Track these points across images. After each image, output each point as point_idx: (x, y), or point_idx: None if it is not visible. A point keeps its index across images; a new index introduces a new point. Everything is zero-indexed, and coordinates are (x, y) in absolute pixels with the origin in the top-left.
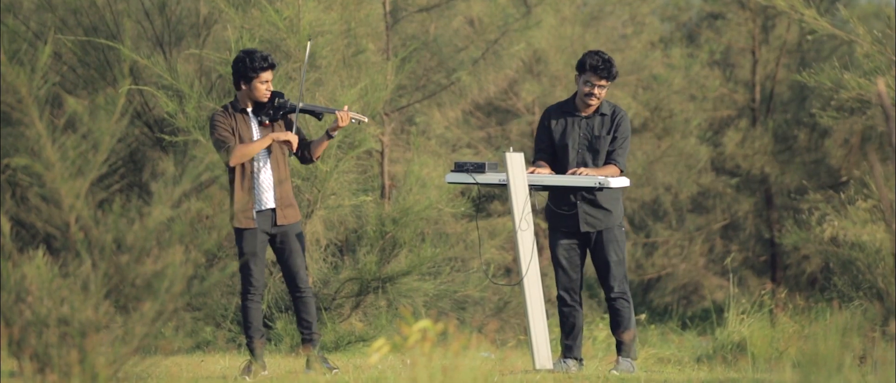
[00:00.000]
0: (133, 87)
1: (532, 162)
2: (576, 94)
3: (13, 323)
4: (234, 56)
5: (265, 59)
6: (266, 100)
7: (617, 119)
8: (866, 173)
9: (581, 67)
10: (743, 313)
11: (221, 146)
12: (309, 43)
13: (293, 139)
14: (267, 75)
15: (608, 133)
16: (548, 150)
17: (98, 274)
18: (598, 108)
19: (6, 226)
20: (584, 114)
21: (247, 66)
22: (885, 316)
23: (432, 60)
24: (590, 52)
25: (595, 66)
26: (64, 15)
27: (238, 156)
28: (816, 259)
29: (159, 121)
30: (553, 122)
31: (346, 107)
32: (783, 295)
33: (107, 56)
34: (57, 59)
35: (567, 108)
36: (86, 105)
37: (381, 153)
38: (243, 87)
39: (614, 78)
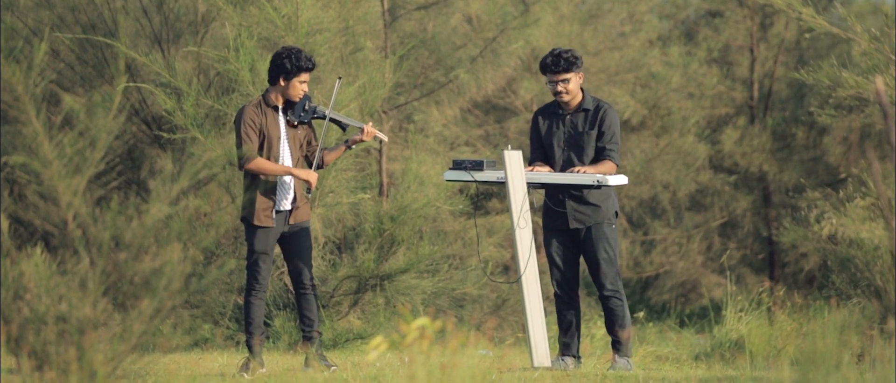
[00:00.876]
0: (130, 84)
1: (529, 162)
2: None
3: (11, 321)
4: (232, 54)
5: (309, 59)
6: (298, 100)
7: (600, 113)
8: (864, 171)
9: (540, 70)
10: (741, 311)
11: (241, 145)
12: (338, 81)
13: (313, 178)
14: (306, 76)
15: (592, 128)
16: (540, 150)
17: (96, 271)
18: (581, 104)
19: (4, 224)
20: (567, 112)
21: (293, 62)
22: (883, 313)
23: (430, 58)
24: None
25: (546, 64)
26: (61, 12)
27: (255, 167)
28: (814, 256)
29: (157, 119)
30: (541, 122)
31: (369, 124)
32: (781, 292)
33: (104, 53)
34: (54, 56)
35: (553, 108)
36: (83, 102)
37: (380, 151)
38: (282, 82)
39: (570, 68)
